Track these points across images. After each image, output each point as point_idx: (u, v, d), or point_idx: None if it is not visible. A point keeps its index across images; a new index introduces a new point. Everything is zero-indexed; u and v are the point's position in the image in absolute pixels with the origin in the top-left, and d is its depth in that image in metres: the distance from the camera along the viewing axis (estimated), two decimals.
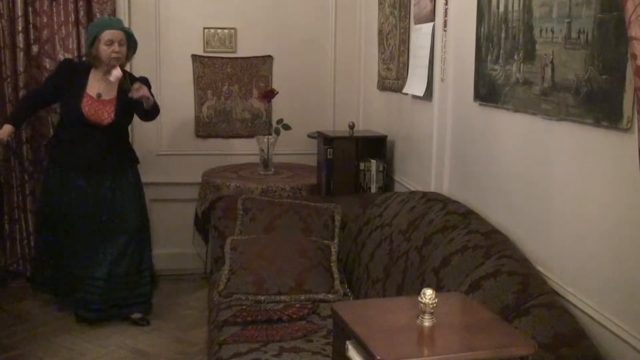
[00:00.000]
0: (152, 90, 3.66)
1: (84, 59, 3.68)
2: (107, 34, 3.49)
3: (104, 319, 3.69)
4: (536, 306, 1.84)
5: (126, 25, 4.31)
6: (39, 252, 3.90)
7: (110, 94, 3.59)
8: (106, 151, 3.61)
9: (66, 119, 3.67)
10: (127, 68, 3.79)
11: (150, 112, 3.62)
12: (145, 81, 3.62)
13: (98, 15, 4.21)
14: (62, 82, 3.60)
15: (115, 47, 3.49)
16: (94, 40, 3.51)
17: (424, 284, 2.30)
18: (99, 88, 3.58)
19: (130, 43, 3.61)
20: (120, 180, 3.69)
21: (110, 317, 3.70)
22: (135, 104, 3.52)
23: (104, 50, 3.50)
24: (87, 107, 3.53)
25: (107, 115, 3.57)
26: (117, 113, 3.58)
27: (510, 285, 1.95)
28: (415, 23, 3.41)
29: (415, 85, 3.34)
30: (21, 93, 4.16)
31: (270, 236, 3.20)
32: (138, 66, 4.32)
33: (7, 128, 3.57)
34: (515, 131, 2.34)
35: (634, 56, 1.25)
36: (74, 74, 3.62)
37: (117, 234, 3.66)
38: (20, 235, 4.32)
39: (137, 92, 3.43)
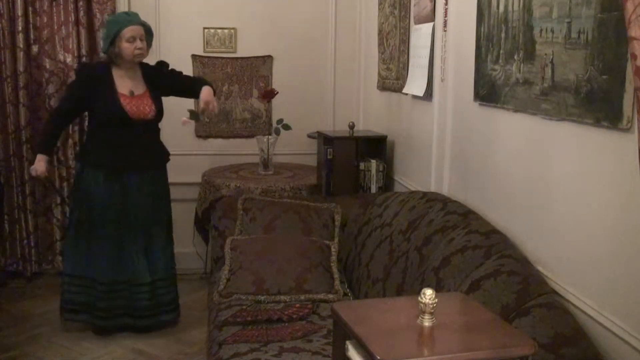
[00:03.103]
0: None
1: (101, 58, 3.53)
2: (128, 31, 3.37)
3: (153, 326, 3.59)
4: (536, 306, 1.84)
5: None
6: (73, 269, 3.56)
7: (141, 89, 3.51)
8: (149, 148, 3.56)
9: (106, 121, 3.45)
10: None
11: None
12: (162, 64, 3.64)
13: (98, 15, 4.22)
14: (88, 88, 3.44)
15: (138, 43, 3.39)
16: (114, 38, 3.38)
17: (424, 284, 2.30)
18: (128, 86, 3.48)
19: (148, 37, 3.51)
20: (158, 176, 3.63)
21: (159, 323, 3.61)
22: (177, 84, 3.58)
23: (126, 47, 3.37)
24: (128, 106, 3.43)
25: (149, 109, 3.49)
26: (156, 105, 3.53)
27: (510, 285, 1.95)
28: (415, 23, 3.41)
29: (415, 85, 3.34)
30: (21, 93, 4.17)
31: (270, 236, 3.20)
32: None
33: (41, 160, 3.44)
34: (515, 131, 2.34)
35: (634, 56, 1.25)
36: (97, 77, 3.47)
37: (152, 234, 3.58)
38: (20, 235, 4.33)
39: (209, 108, 3.49)
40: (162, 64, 3.66)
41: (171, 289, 3.67)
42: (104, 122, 3.46)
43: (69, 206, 3.68)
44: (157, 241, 3.60)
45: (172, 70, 3.66)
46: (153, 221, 3.58)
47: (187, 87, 3.62)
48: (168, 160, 3.73)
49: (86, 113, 3.70)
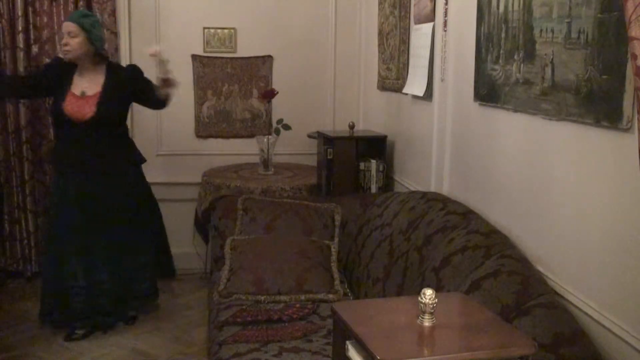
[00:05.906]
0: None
1: None
2: (62, 27, 3.55)
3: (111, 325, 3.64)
4: (536, 306, 1.84)
5: (126, 25, 4.32)
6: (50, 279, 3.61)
7: (95, 90, 3.49)
8: (97, 150, 3.50)
9: (52, 119, 3.76)
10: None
11: (163, 101, 3.57)
12: (135, 69, 3.65)
13: (98, 15, 4.21)
14: (52, 78, 3.51)
15: (64, 39, 3.48)
16: None
17: (424, 284, 2.30)
18: (83, 86, 3.49)
19: (90, 35, 3.45)
20: (117, 180, 3.57)
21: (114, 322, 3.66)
22: (145, 93, 3.53)
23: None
24: (69, 106, 3.43)
25: (88, 110, 3.44)
26: (100, 106, 3.44)
27: (510, 285, 1.95)
28: (415, 23, 3.41)
29: (415, 85, 3.34)
30: None
31: (270, 236, 3.20)
32: (138, 65, 4.32)
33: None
34: (515, 131, 2.34)
35: (634, 56, 1.25)
36: (61, 74, 3.52)
37: (107, 236, 3.54)
38: (20, 235, 4.32)
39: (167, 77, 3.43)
40: (134, 69, 3.65)
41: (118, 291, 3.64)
42: (53, 122, 3.76)
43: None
44: (97, 246, 3.54)
45: (146, 78, 3.61)
46: (105, 225, 3.55)
47: (150, 96, 3.56)
48: (132, 165, 3.69)
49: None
